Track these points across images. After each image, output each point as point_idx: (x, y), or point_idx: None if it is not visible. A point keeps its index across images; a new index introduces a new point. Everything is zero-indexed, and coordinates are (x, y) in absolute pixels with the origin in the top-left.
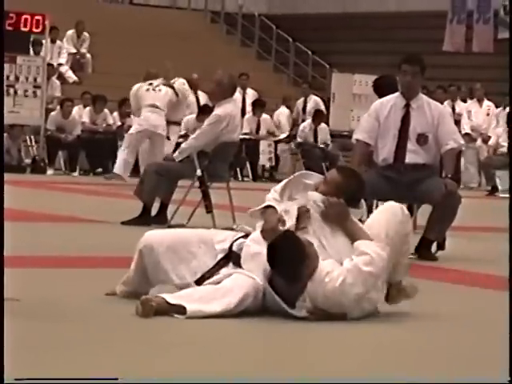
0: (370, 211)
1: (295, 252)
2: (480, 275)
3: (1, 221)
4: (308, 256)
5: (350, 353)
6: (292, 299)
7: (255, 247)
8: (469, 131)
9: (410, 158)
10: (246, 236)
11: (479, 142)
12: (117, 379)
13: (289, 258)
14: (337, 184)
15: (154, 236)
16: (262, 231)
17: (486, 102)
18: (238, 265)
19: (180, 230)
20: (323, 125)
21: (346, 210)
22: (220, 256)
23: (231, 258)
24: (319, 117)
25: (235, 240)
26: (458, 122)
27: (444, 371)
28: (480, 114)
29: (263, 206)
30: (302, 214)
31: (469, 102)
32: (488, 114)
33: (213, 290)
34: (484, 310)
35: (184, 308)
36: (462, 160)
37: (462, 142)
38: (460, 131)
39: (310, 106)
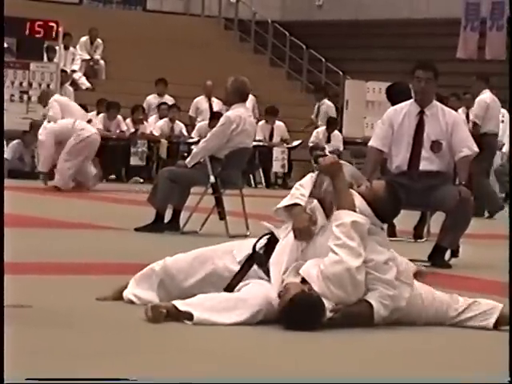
0: None
1: (314, 314)
2: (494, 283)
3: (1, 227)
4: (323, 306)
5: (352, 356)
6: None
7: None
8: None
9: (424, 166)
10: (269, 235)
11: (503, 149)
12: (127, 380)
13: (310, 322)
14: (376, 195)
15: (173, 264)
16: (293, 230)
17: (501, 110)
18: (263, 266)
19: (198, 250)
20: (337, 132)
21: (339, 166)
22: (242, 261)
23: (255, 258)
24: (333, 124)
25: (258, 240)
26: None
27: (445, 372)
28: None
29: (290, 203)
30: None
31: None
32: (502, 121)
33: (225, 299)
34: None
35: (192, 315)
36: None
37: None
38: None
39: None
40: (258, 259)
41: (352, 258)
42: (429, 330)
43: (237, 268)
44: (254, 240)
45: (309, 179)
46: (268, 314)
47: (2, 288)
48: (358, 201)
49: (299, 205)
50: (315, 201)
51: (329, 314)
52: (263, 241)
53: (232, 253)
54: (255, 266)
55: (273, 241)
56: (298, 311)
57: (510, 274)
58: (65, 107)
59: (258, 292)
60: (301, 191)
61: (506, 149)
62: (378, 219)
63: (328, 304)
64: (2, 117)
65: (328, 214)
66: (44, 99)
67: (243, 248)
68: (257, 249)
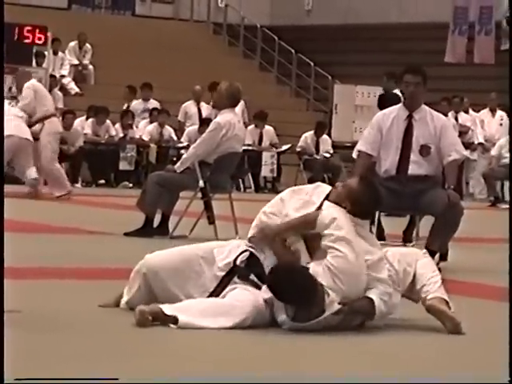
0: (372, 222)
1: (303, 280)
2: (482, 286)
3: (1, 232)
4: (316, 282)
5: (348, 359)
6: (320, 309)
7: None
8: (482, 141)
9: (412, 170)
10: (249, 252)
11: (492, 152)
12: (117, 379)
13: (302, 292)
14: (350, 190)
15: (156, 260)
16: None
17: (499, 112)
18: (245, 279)
19: (180, 248)
20: (325, 136)
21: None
22: (223, 273)
23: (236, 272)
24: (321, 128)
25: (240, 253)
26: (461, 134)
27: (445, 372)
28: (493, 123)
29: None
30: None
31: (481, 111)
32: (501, 125)
33: (214, 305)
34: (485, 319)
35: (177, 319)
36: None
37: (465, 153)
38: (464, 142)
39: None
40: (239, 272)
41: (349, 250)
42: (428, 330)
43: (217, 270)
44: (235, 243)
45: (278, 202)
46: (255, 321)
47: (2, 292)
48: (334, 210)
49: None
50: (301, 241)
51: (337, 306)
52: (244, 255)
53: (214, 258)
54: (236, 279)
55: (254, 255)
56: (281, 279)
57: (510, 275)
58: (39, 97)
59: (247, 300)
60: (274, 221)
61: (494, 152)
62: (359, 217)
63: (336, 297)
64: (2, 120)
65: (311, 253)
66: (20, 81)
67: (224, 252)
68: (238, 262)
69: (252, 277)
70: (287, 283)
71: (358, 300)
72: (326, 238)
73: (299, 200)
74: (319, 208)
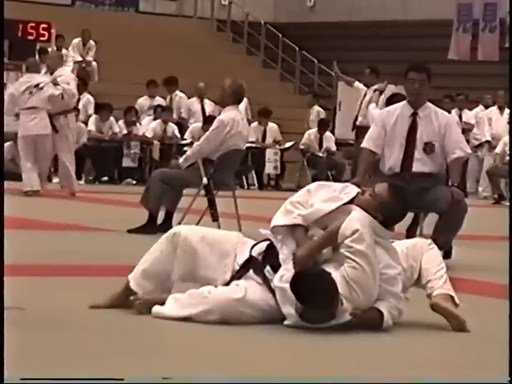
0: None
1: (327, 286)
2: (486, 284)
3: (1, 229)
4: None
5: (348, 358)
6: (331, 315)
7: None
8: (489, 139)
9: (416, 167)
10: (267, 241)
11: (497, 149)
12: (122, 379)
13: (324, 295)
14: (382, 201)
15: (188, 229)
16: (294, 260)
17: (507, 110)
18: (259, 271)
19: (213, 229)
20: (328, 133)
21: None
22: (238, 266)
23: (251, 264)
24: (324, 125)
25: (254, 245)
26: (464, 131)
27: (445, 372)
28: (501, 121)
29: (289, 223)
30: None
31: (490, 109)
32: (508, 123)
33: (185, 296)
34: (488, 318)
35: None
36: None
37: (469, 150)
38: (467, 140)
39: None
40: (254, 265)
41: (367, 263)
42: (428, 330)
43: (235, 266)
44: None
45: (305, 193)
46: (228, 315)
47: (2, 290)
48: (361, 218)
49: (300, 226)
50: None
51: (347, 317)
52: (261, 246)
53: (235, 250)
54: (251, 272)
55: (271, 246)
56: (305, 284)
57: (510, 274)
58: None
59: (218, 294)
60: (299, 211)
61: (498, 150)
62: (388, 226)
63: (349, 307)
64: (2, 118)
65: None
66: (53, 65)
67: (245, 249)
68: (254, 254)
69: (267, 268)
70: (312, 286)
71: (367, 311)
72: (345, 248)
73: (327, 194)
74: (347, 203)
